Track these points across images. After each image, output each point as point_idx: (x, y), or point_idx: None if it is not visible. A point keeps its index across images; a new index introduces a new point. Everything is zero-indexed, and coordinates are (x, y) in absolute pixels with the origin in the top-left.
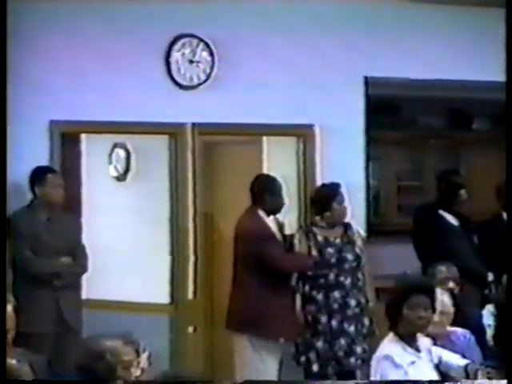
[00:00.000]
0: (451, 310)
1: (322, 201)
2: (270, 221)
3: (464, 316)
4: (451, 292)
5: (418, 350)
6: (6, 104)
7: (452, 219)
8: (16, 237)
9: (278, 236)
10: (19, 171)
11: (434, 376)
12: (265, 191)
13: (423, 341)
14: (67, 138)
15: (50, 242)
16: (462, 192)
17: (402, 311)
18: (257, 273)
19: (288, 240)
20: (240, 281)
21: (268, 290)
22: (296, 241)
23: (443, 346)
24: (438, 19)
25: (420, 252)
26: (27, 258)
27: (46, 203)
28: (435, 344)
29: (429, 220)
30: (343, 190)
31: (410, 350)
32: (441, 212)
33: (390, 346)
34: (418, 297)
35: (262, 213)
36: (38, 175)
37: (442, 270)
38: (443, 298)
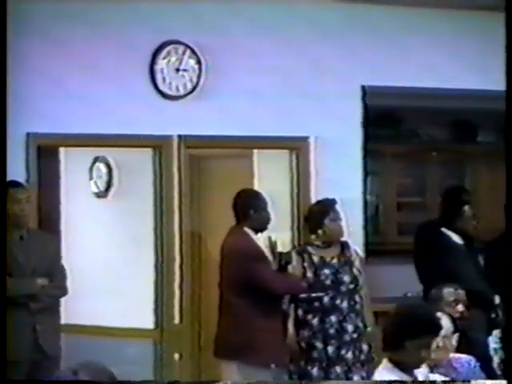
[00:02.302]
0: (454, 334)
1: (315, 218)
2: (257, 239)
3: (469, 342)
4: (458, 316)
5: (415, 379)
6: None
7: (456, 238)
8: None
9: (269, 255)
10: None
11: None
12: (249, 207)
13: (421, 369)
14: (45, 152)
15: (24, 262)
16: (467, 208)
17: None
18: (246, 295)
19: (280, 260)
20: (228, 304)
21: (258, 314)
22: (289, 261)
23: (445, 374)
24: (440, 25)
25: (422, 273)
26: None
27: (13, 220)
28: (436, 371)
29: (431, 238)
30: (339, 206)
31: (406, 378)
32: (444, 230)
33: (385, 375)
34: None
35: (248, 231)
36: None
37: (450, 292)
38: (445, 322)
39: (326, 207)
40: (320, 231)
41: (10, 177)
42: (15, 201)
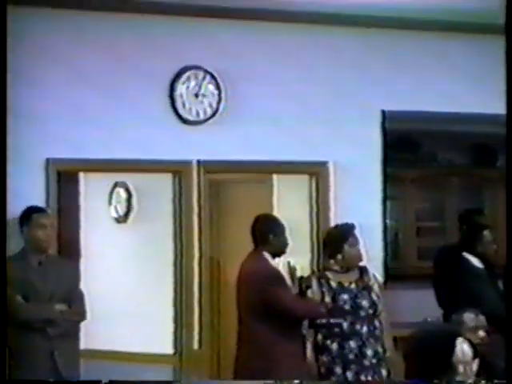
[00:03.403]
0: (474, 360)
1: (333, 243)
2: (276, 264)
3: (489, 367)
4: (479, 342)
5: None
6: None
7: (476, 262)
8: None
9: (288, 280)
10: (13, 212)
11: None
12: (267, 232)
13: None
14: (64, 177)
15: (42, 287)
16: (486, 233)
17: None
18: (265, 320)
19: (300, 285)
20: (247, 329)
21: (277, 339)
22: (308, 286)
23: None
24: (458, 50)
25: (441, 298)
26: (18, 305)
27: (35, 245)
28: None
29: (451, 263)
30: (357, 231)
31: None
32: (464, 254)
33: None
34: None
35: (266, 255)
36: (25, 216)
37: (471, 317)
38: (463, 347)
39: (345, 232)
40: (339, 256)
41: (29, 202)
42: (39, 226)
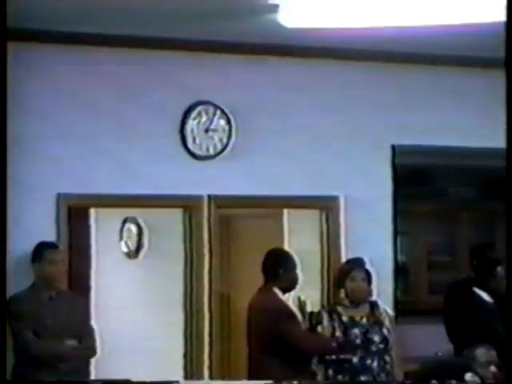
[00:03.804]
0: None
1: (338, 278)
2: (286, 299)
3: None
4: (491, 377)
5: None
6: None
7: (487, 297)
8: (17, 318)
9: (299, 315)
10: (24, 247)
11: None
12: (277, 267)
13: None
14: (75, 212)
15: (53, 323)
16: (499, 268)
17: None
18: (275, 354)
19: (310, 319)
20: (257, 363)
21: (287, 373)
22: (319, 320)
23: None
24: (469, 84)
25: (452, 333)
26: (28, 341)
27: (47, 281)
28: None
29: (462, 298)
30: (368, 265)
31: None
32: (475, 290)
33: None
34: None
35: (276, 290)
36: (38, 252)
37: (483, 352)
38: (474, 382)
39: (349, 267)
40: (342, 291)
41: (40, 237)
42: (50, 262)
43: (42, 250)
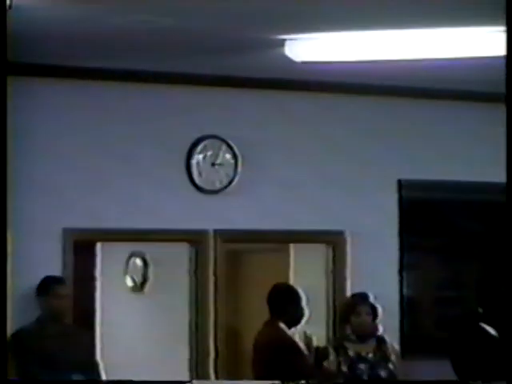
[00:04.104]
0: None
1: (342, 313)
2: (292, 333)
3: None
4: None
5: None
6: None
7: (495, 333)
8: (22, 353)
9: (304, 350)
10: (30, 281)
11: None
12: (283, 302)
13: None
14: (81, 246)
15: (58, 357)
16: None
17: None
18: None
19: (317, 354)
20: None
21: None
22: (325, 355)
23: None
24: (475, 119)
25: (458, 369)
26: (33, 375)
27: (53, 316)
28: None
29: (469, 334)
30: (374, 300)
31: None
32: (482, 325)
33: None
34: None
35: (282, 325)
36: (44, 286)
37: None
38: None
39: (353, 302)
40: (347, 326)
41: (46, 271)
42: (57, 297)
43: (47, 285)
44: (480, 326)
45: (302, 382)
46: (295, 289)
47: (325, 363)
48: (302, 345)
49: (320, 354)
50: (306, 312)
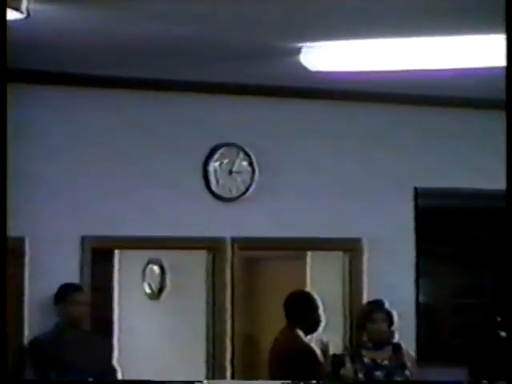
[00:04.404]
0: None
1: (358, 320)
2: (309, 341)
3: None
4: None
5: None
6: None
7: None
8: (40, 360)
9: (321, 357)
10: (48, 289)
11: None
12: (300, 309)
13: None
14: (99, 254)
15: (76, 364)
16: None
17: None
18: None
19: (333, 362)
20: None
21: None
22: (342, 363)
23: None
24: (491, 126)
25: (476, 376)
26: (51, 382)
27: (71, 323)
28: None
29: (486, 341)
30: (390, 307)
31: None
32: (500, 333)
33: None
34: None
35: (299, 332)
36: (62, 293)
37: None
38: None
39: (369, 309)
40: (363, 333)
41: (64, 279)
42: (75, 304)
43: (65, 292)
44: (498, 334)
45: (313, 382)
46: (312, 296)
47: (341, 371)
48: (318, 352)
49: (337, 361)
50: (323, 319)
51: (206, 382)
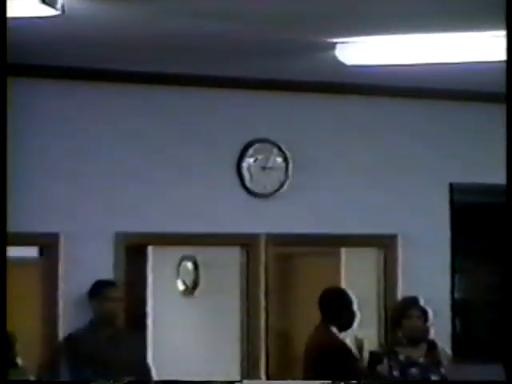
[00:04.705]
0: None
1: (393, 317)
2: (343, 337)
3: None
4: None
5: None
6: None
7: None
8: (74, 357)
9: (356, 354)
10: (82, 285)
11: None
12: (334, 306)
13: None
14: (132, 250)
15: (110, 361)
16: None
17: None
18: None
19: (371, 359)
20: None
21: None
22: (377, 360)
23: None
24: None
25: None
26: (86, 379)
27: (105, 319)
28: None
29: None
30: (425, 304)
31: None
32: None
33: None
34: None
35: (334, 328)
36: (95, 289)
37: None
38: None
39: (404, 306)
40: (398, 330)
41: (98, 275)
42: (109, 300)
43: (99, 288)
44: None
45: (353, 382)
46: (347, 292)
47: (378, 367)
48: (353, 349)
49: (374, 358)
50: (358, 316)
51: (246, 381)
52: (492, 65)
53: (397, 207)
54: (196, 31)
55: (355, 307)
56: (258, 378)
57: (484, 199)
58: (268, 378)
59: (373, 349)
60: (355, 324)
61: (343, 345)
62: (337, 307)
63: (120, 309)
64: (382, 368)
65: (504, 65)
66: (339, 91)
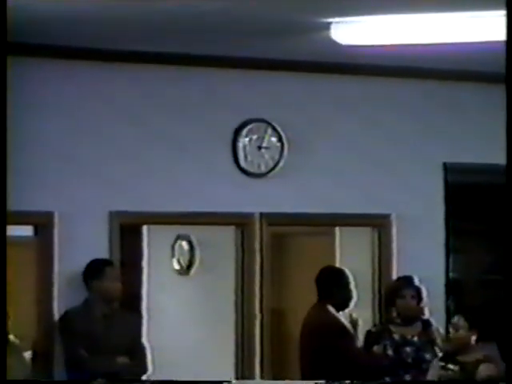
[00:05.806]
0: None
1: (387, 296)
2: (340, 316)
3: None
4: None
5: None
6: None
7: None
8: (69, 335)
9: (352, 332)
10: (76, 265)
11: None
12: (332, 285)
13: None
14: (128, 230)
15: (105, 340)
16: None
17: None
18: (329, 372)
19: (366, 338)
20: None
21: None
22: (375, 340)
23: None
24: None
25: (505, 353)
26: (80, 358)
27: (103, 298)
28: None
29: None
30: (420, 284)
31: None
32: None
33: None
34: None
35: (330, 308)
36: (94, 268)
37: None
38: None
39: (398, 285)
40: (393, 309)
41: (93, 255)
42: (110, 279)
43: (99, 267)
44: None
45: (347, 381)
46: (344, 271)
47: (375, 348)
48: (349, 327)
49: (371, 338)
50: (355, 295)
51: (236, 382)
52: (488, 45)
53: (391, 187)
54: (193, 11)
55: (352, 287)
56: (253, 356)
57: (478, 179)
58: (262, 357)
59: (367, 328)
60: (352, 303)
61: (341, 324)
62: (334, 286)
63: (118, 288)
64: (379, 348)
65: (500, 45)
66: (334, 71)
